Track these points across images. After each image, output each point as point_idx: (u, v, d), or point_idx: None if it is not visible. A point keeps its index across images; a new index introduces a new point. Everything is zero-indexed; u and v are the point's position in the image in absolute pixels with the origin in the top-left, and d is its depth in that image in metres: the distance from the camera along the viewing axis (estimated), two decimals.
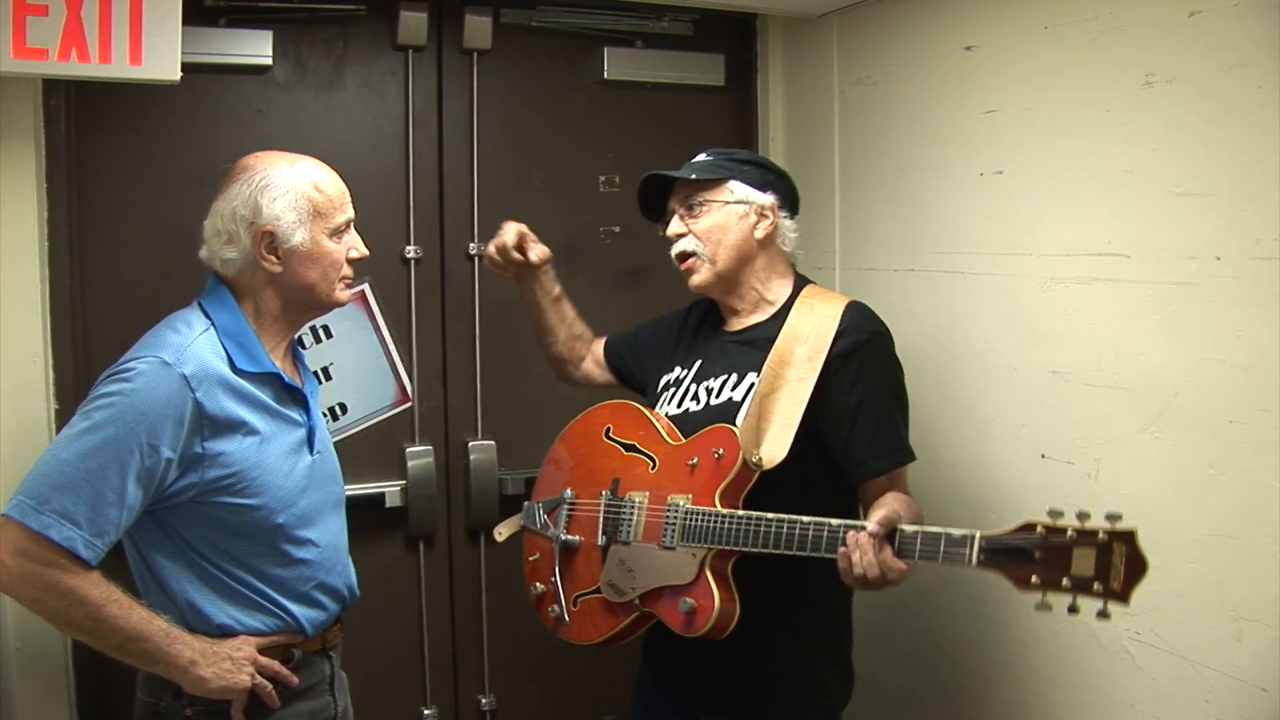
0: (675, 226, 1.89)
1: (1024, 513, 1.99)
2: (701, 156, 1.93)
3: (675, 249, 1.90)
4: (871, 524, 1.53)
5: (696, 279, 1.88)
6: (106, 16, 1.83)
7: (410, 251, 2.42)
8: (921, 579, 2.26)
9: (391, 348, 2.43)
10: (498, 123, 2.50)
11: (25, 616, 1.93)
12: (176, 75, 1.91)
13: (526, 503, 2.02)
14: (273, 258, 1.62)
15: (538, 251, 2.08)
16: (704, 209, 1.86)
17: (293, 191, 1.61)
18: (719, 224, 1.86)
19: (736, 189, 1.86)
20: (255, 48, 2.24)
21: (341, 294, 1.71)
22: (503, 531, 2.08)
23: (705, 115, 2.68)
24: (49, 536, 1.42)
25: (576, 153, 2.57)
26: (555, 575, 1.88)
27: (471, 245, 2.48)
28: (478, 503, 2.49)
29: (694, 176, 1.86)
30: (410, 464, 2.42)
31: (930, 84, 2.22)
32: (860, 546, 1.53)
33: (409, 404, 2.45)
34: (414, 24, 2.36)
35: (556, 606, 1.87)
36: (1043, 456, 1.95)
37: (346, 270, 1.70)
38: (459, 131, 2.46)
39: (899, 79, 2.32)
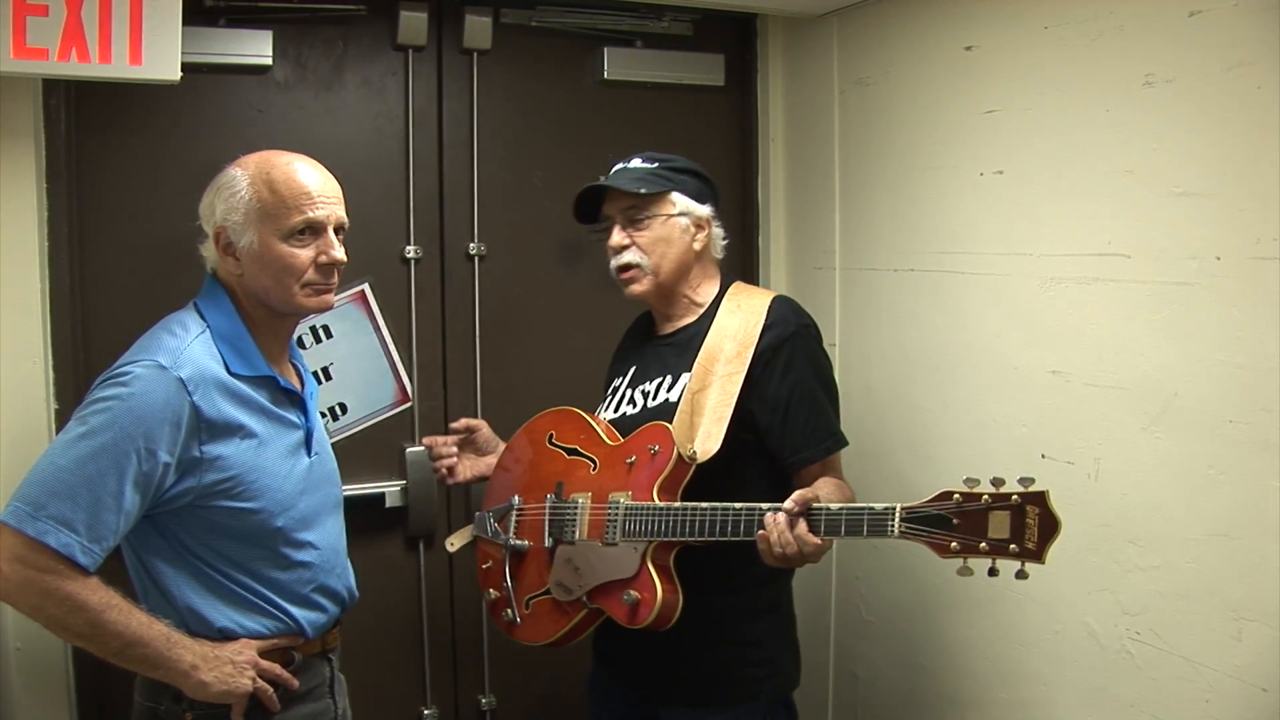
0: (618, 238, 1.90)
1: None
2: (637, 162, 1.93)
3: (618, 260, 1.91)
4: (787, 503, 1.59)
5: (637, 288, 1.91)
6: (106, 16, 1.83)
7: (410, 251, 2.42)
8: (921, 580, 2.27)
9: (391, 348, 2.43)
10: (498, 123, 2.50)
11: (25, 618, 1.93)
12: (176, 75, 1.91)
13: (478, 513, 2.04)
14: (231, 259, 1.62)
15: (458, 424, 2.11)
16: (648, 222, 1.88)
17: (241, 192, 1.59)
18: (663, 237, 1.88)
19: (678, 201, 1.89)
20: (255, 48, 2.23)
21: (305, 300, 1.63)
22: (455, 542, 2.09)
23: (705, 115, 2.68)
24: (46, 543, 1.42)
25: (576, 153, 2.57)
26: (507, 580, 1.91)
27: (471, 245, 2.48)
28: (478, 503, 2.48)
29: (642, 191, 1.87)
30: (410, 464, 2.42)
31: (930, 84, 2.22)
32: (776, 525, 1.59)
33: (409, 404, 2.45)
34: (414, 24, 2.36)
35: (509, 610, 1.91)
36: (1043, 456, 1.95)
37: (312, 275, 1.62)
38: (459, 131, 2.46)
39: (899, 79, 2.32)
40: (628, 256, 1.90)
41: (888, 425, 2.32)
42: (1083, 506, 1.86)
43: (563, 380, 2.54)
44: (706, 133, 2.68)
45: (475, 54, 2.46)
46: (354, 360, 2.39)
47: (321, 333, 2.35)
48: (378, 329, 2.41)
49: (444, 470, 2.09)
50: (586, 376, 2.51)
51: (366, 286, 2.38)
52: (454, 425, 2.14)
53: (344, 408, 2.39)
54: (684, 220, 1.89)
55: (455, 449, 2.09)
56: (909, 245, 2.30)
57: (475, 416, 2.49)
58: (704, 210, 1.91)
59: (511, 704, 2.57)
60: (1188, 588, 1.70)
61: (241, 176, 1.61)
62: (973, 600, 2.12)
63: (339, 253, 1.64)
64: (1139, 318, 1.77)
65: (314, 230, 1.62)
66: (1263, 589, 1.59)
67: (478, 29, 2.43)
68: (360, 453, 2.37)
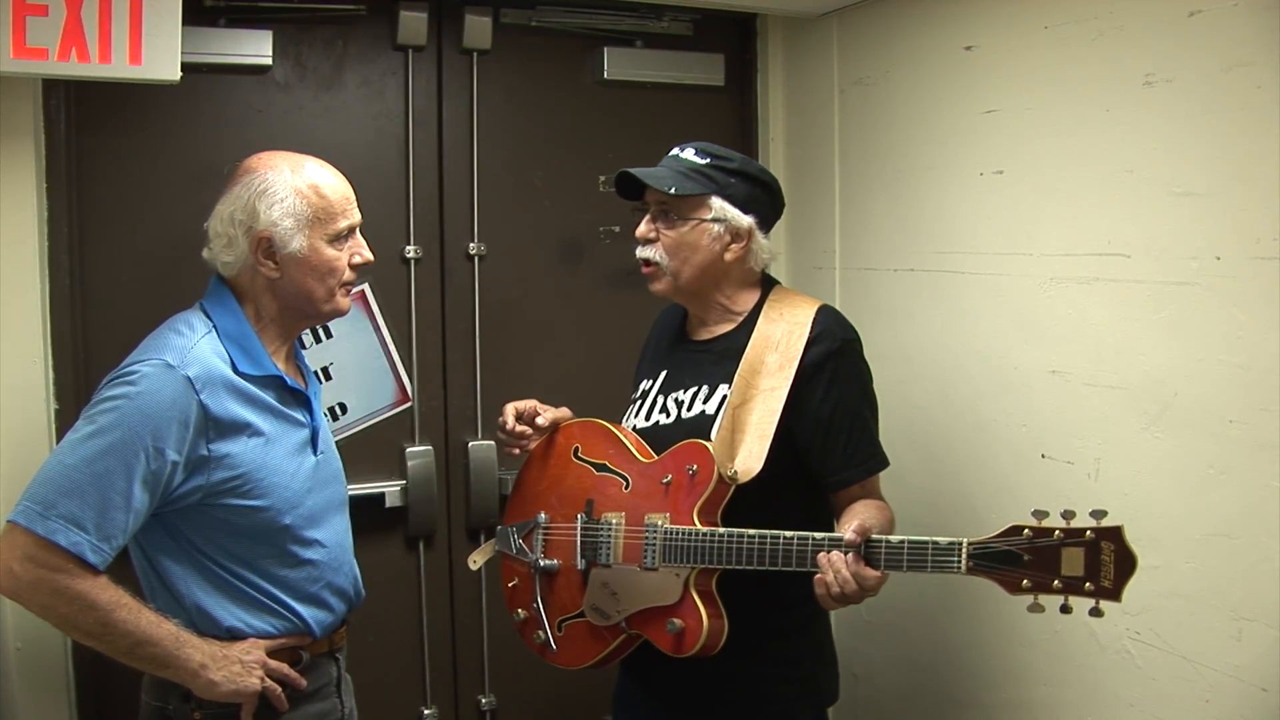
0: (645, 230, 1.81)
1: (1024, 514, 2.00)
2: (690, 154, 1.81)
3: (639, 253, 1.83)
4: (847, 534, 1.53)
5: (655, 285, 1.83)
6: (106, 16, 1.83)
7: (410, 251, 2.42)
8: (921, 579, 2.26)
9: (391, 348, 2.43)
10: (497, 123, 2.50)
11: (26, 617, 1.92)
12: (176, 75, 1.91)
13: (500, 528, 1.97)
14: (270, 263, 1.61)
15: (546, 418, 1.93)
16: (678, 223, 1.78)
17: (292, 197, 1.59)
18: (689, 242, 1.78)
19: (716, 206, 1.77)
20: (255, 48, 2.23)
21: (342, 301, 1.68)
22: (476, 559, 2.03)
23: (705, 115, 2.68)
24: (56, 542, 1.42)
25: (576, 153, 2.57)
26: (537, 601, 1.85)
27: (471, 245, 2.48)
28: (478, 503, 2.49)
29: (672, 191, 1.76)
30: (410, 464, 2.42)
31: (930, 84, 2.22)
32: (833, 566, 1.53)
33: (409, 404, 2.45)
34: (414, 24, 2.36)
35: (541, 632, 1.84)
36: (1043, 456, 1.95)
37: (349, 276, 1.67)
38: (459, 131, 2.46)
39: (899, 79, 2.32)
40: (648, 252, 1.81)
41: (888, 425, 2.30)
42: (1082, 506, 1.85)
43: (563, 380, 2.55)
44: (707, 133, 2.65)
45: (475, 54, 2.46)
46: (354, 360, 2.39)
47: (321, 333, 2.35)
48: (378, 329, 2.41)
49: (514, 451, 1.96)
50: (587, 376, 2.52)
51: (366, 286, 2.38)
52: (543, 422, 1.93)
53: (344, 408, 2.39)
54: (717, 228, 1.77)
55: (532, 433, 1.95)
56: (909, 245, 2.30)
57: (475, 417, 2.51)
58: (745, 221, 1.78)
59: (511, 704, 2.57)
60: (1188, 588, 1.70)
61: (282, 181, 1.60)
62: (973, 600, 2.12)
63: (369, 253, 1.70)
64: (1139, 318, 1.77)
65: (351, 232, 1.67)
66: (1263, 589, 1.59)
67: (477, 29, 2.43)
68: (360, 453, 2.37)
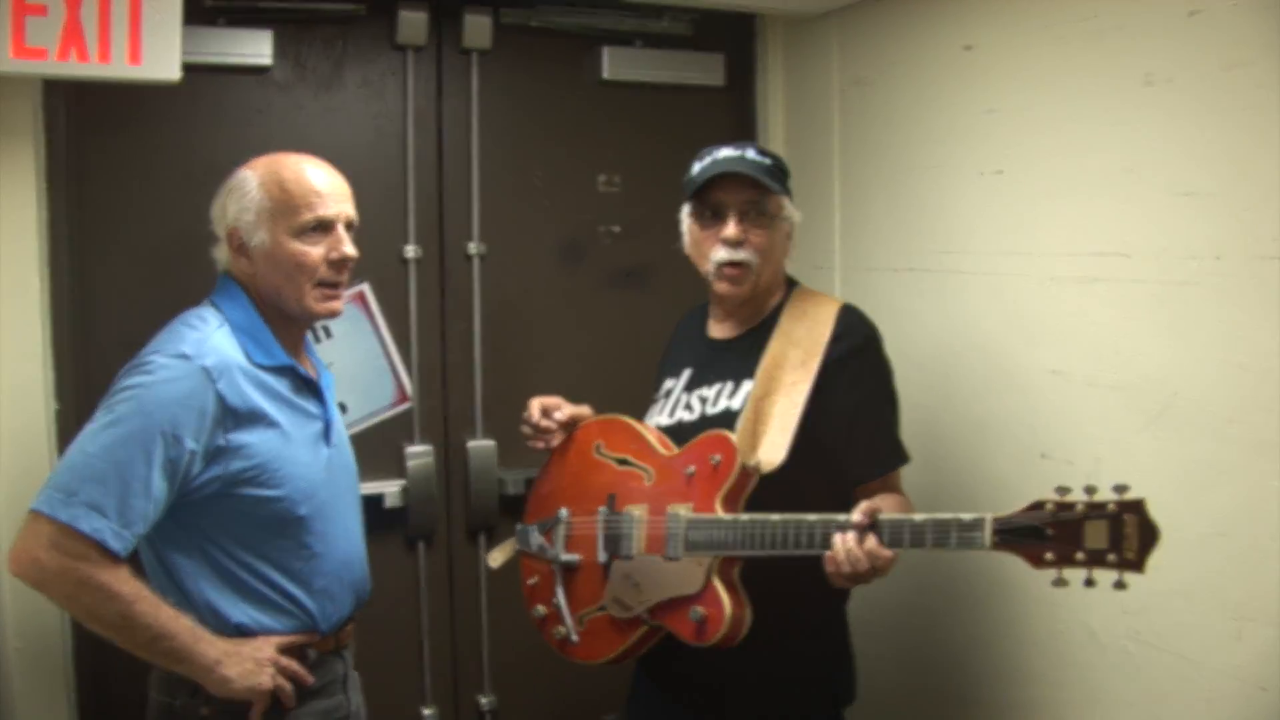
0: (736, 232, 1.76)
1: None
2: (752, 152, 1.80)
3: (732, 255, 1.77)
4: (855, 515, 1.55)
5: (741, 289, 1.80)
6: (106, 16, 1.83)
7: (410, 251, 2.42)
8: (921, 579, 2.27)
9: (391, 348, 2.43)
10: (497, 122, 2.50)
11: (26, 616, 1.93)
12: (176, 75, 1.91)
13: (520, 526, 1.97)
14: (244, 258, 1.64)
15: (565, 412, 1.94)
16: (770, 223, 1.79)
17: (253, 191, 1.62)
18: (776, 243, 1.81)
19: (786, 205, 1.82)
20: (255, 48, 2.24)
21: (315, 302, 1.65)
22: (497, 557, 2.03)
23: (705, 115, 2.68)
24: (78, 528, 1.43)
25: (576, 153, 2.57)
26: (558, 596, 1.84)
27: (471, 245, 2.48)
28: (477, 503, 2.49)
29: (776, 187, 1.77)
30: (410, 464, 2.42)
31: (930, 84, 2.22)
32: (845, 544, 1.54)
33: (408, 404, 2.45)
34: (413, 24, 2.36)
35: (562, 628, 1.84)
36: (1043, 456, 1.95)
37: (324, 273, 1.64)
38: (459, 131, 2.46)
39: (899, 79, 2.32)
40: (744, 254, 1.77)
41: None
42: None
43: (563, 380, 2.54)
44: (706, 133, 2.65)
45: (475, 54, 2.46)
46: (354, 360, 2.39)
47: (321, 333, 2.35)
48: (377, 329, 2.41)
49: (539, 444, 1.96)
50: (587, 376, 2.52)
51: (366, 286, 2.38)
52: (560, 416, 1.93)
53: (343, 408, 2.38)
54: (788, 226, 1.82)
55: (557, 428, 1.95)
56: (909, 245, 2.30)
57: (475, 417, 2.51)
58: (798, 217, 1.85)
59: (511, 704, 2.57)
60: (1188, 588, 1.70)
61: (252, 177, 1.64)
62: (973, 600, 2.13)
63: (349, 248, 1.67)
64: (1139, 318, 1.77)
65: (324, 228, 1.64)
66: (1263, 589, 1.59)
67: (477, 29, 2.43)
68: (360, 453, 2.34)
